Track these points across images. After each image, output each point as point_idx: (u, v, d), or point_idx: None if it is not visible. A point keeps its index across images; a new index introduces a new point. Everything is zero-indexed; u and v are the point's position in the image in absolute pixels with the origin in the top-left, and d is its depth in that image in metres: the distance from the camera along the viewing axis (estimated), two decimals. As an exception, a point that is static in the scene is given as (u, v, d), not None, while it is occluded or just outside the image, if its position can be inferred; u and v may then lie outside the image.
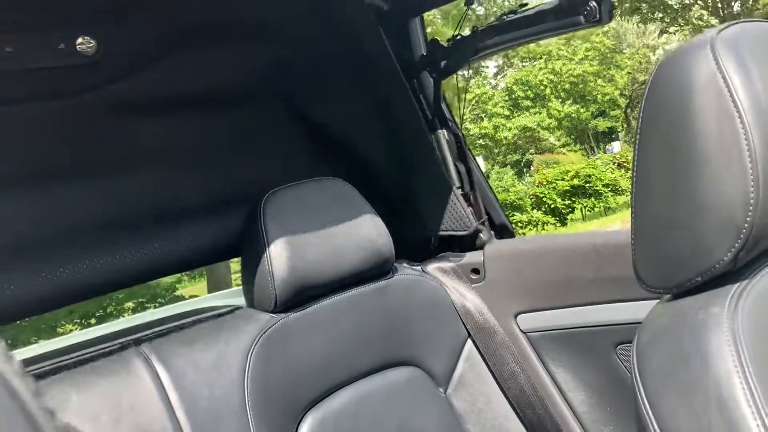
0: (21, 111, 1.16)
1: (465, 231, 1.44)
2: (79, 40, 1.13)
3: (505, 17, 1.41)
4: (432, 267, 1.43)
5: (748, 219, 0.65)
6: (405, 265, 1.43)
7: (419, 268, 1.43)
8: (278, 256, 1.16)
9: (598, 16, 1.23)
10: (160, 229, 1.28)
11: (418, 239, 1.54)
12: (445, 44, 1.52)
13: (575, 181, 10.55)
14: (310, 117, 1.55)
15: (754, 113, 0.65)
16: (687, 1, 12.68)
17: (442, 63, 1.51)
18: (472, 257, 1.42)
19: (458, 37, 1.49)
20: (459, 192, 1.48)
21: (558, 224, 10.31)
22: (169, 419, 0.99)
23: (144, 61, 1.27)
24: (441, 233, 1.49)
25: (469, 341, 1.36)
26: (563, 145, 18.44)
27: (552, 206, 10.34)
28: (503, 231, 1.52)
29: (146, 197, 1.30)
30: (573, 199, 10.59)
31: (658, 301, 0.80)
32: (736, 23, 0.74)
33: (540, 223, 10.11)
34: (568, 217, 10.58)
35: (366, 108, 1.54)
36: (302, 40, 1.45)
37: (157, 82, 1.30)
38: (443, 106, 1.55)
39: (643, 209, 0.76)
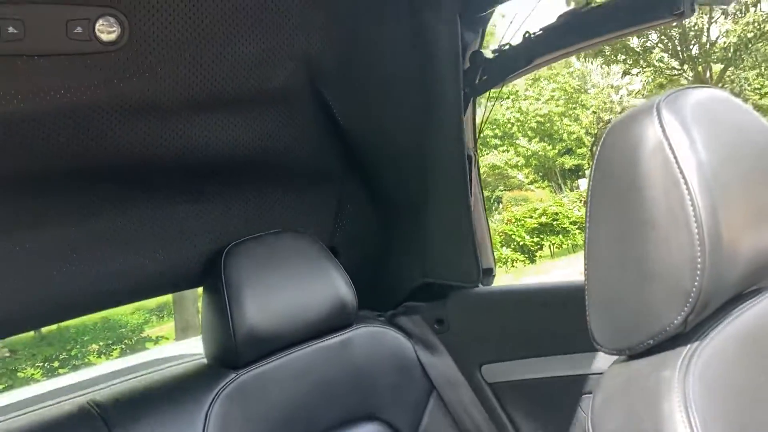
0: (22, 108, 0.92)
1: (470, 284, 1.35)
2: (100, 23, 0.87)
3: (564, 17, 1.17)
4: (396, 316, 1.42)
5: (695, 284, 0.67)
6: (368, 315, 1.42)
7: (383, 318, 1.42)
8: (239, 310, 1.15)
9: (681, 9, 1.04)
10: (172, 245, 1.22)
11: (390, 286, 1.50)
12: (490, 55, 1.30)
13: (543, 219, 10.68)
14: (339, 121, 1.38)
15: (699, 180, 0.66)
16: (648, 44, 13.09)
17: (480, 77, 1.30)
18: (435, 307, 1.41)
19: (506, 46, 1.27)
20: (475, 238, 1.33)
21: (527, 261, 10.39)
22: None
23: (169, 53, 1.02)
24: (437, 281, 1.40)
25: (434, 393, 1.34)
26: (531, 182, 18.69)
27: (521, 243, 10.44)
28: (488, 275, 1.43)
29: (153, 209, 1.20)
30: (541, 236, 10.70)
31: (616, 358, 0.80)
32: (682, 89, 0.76)
33: (509, 260, 10.18)
34: (537, 254, 10.68)
35: (406, 127, 1.37)
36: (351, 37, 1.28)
37: (179, 79, 1.08)
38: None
39: (594, 272, 0.77)
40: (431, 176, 1.35)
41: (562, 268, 9.13)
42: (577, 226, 10.94)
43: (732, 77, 13.22)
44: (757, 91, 13.86)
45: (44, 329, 6.91)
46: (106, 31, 0.88)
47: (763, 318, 0.78)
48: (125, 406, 1.07)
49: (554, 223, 10.72)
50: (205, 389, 1.11)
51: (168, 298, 7.39)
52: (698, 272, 0.66)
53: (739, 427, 0.66)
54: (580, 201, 12.14)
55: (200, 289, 1.29)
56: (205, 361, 1.23)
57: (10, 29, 0.79)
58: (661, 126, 0.69)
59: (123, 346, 7.49)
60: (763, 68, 13.09)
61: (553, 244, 10.90)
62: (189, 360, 1.31)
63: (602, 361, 1.17)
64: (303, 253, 1.26)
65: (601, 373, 0.79)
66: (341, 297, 1.27)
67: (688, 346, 0.70)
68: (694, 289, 0.67)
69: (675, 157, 0.67)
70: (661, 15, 1.06)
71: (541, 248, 10.82)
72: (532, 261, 10.46)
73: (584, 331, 1.21)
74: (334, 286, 1.26)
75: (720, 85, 12.23)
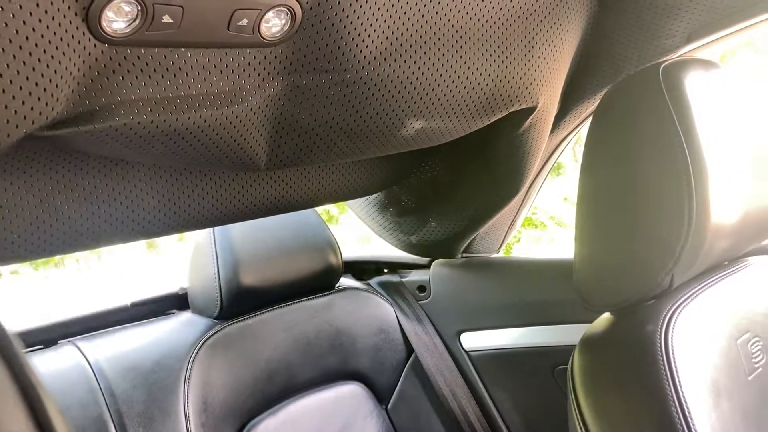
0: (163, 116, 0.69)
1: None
2: (270, 14, 0.66)
3: None
4: (379, 282, 1.44)
5: (682, 245, 0.69)
6: (352, 279, 1.43)
7: (366, 283, 1.44)
8: (226, 262, 1.16)
9: None
10: None
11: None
12: None
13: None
14: None
15: (696, 146, 0.69)
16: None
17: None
18: (418, 275, 1.43)
19: None
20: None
21: (505, 252, 10.47)
22: (103, 422, 0.97)
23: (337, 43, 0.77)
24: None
25: (413, 358, 1.37)
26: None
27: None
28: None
29: None
30: (520, 229, 10.79)
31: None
32: (684, 58, 0.78)
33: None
34: (514, 246, 10.77)
35: None
36: None
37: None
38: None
39: (585, 229, 0.79)
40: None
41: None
42: (555, 221, 11.04)
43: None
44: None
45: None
46: (275, 24, 0.69)
47: (743, 286, 0.81)
48: (108, 348, 1.08)
49: (533, 216, 10.81)
50: (187, 338, 1.12)
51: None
52: (685, 234, 0.69)
53: (711, 381, 0.68)
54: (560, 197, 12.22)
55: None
56: (190, 312, 1.24)
57: (165, 18, 0.62)
58: (664, 90, 0.71)
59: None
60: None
61: (532, 237, 10.98)
62: (172, 312, 1.31)
63: (578, 332, 1.20)
64: (294, 214, 1.27)
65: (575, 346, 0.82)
66: (327, 260, 1.28)
67: (672, 303, 0.72)
68: (679, 249, 0.69)
69: (676, 121, 0.69)
70: None
71: (519, 241, 10.91)
72: (508, 253, 10.54)
73: (563, 303, 1.24)
74: (321, 248, 1.28)
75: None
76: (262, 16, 0.67)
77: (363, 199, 1.33)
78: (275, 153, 0.85)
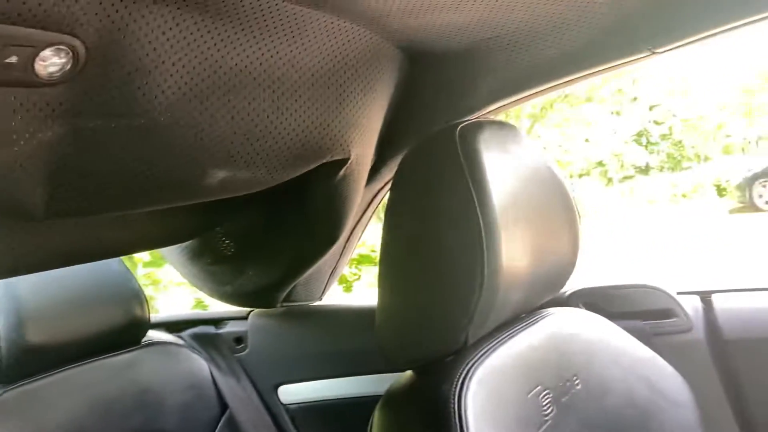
0: None
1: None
2: (48, 52, 0.60)
3: None
4: (192, 335, 1.36)
5: (475, 297, 0.70)
6: (163, 332, 1.34)
7: (177, 336, 1.35)
8: (8, 318, 1.03)
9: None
10: None
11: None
12: None
13: (362, 251, 10.93)
14: None
15: (489, 207, 0.71)
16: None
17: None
18: (235, 326, 1.37)
19: None
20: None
21: (345, 290, 10.55)
22: None
23: None
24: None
25: (228, 414, 1.29)
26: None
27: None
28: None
29: None
30: (359, 266, 10.95)
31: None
32: (479, 119, 0.81)
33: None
34: (354, 284, 10.89)
35: None
36: None
37: None
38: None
39: (385, 287, 0.79)
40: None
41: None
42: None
43: (538, 133, 14.57)
44: (560, 147, 15.38)
45: None
46: (52, 62, 0.61)
47: (535, 339, 0.84)
48: None
49: (372, 254, 11.02)
50: None
51: None
52: (479, 290, 0.70)
53: (504, 439, 0.69)
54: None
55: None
56: None
57: None
58: (460, 150, 0.73)
59: None
60: (563, 127, 14.59)
61: (371, 275, 11.17)
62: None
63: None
64: (93, 264, 1.16)
65: None
66: (131, 312, 1.19)
67: (467, 360, 0.73)
68: (473, 305, 0.70)
69: (469, 180, 0.71)
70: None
71: (359, 278, 11.05)
72: (349, 290, 10.64)
73: (377, 352, 1.23)
74: (125, 299, 1.18)
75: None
76: (37, 54, 0.59)
77: (175, 246, 1.25)
78: (56, 201, 0.76)
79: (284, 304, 1.37)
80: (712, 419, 1.10)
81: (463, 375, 0.71)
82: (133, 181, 0.77)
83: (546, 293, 0.89)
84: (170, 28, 0.67)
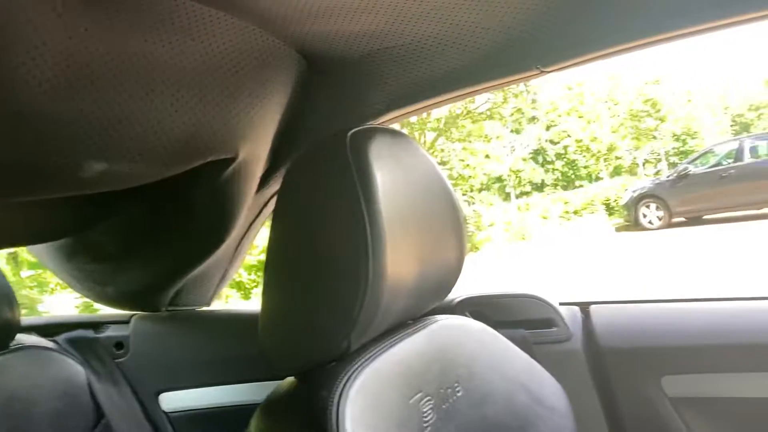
0: None
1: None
2: None
3: None
4: (68, 339, 1.28)
5: (359, 303, 0.70)
6: (35, 336, 1.25)
7: (51, 340, 1.27)
8: None
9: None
10: None
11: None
12: None
13: (262, 257, 10.75)
14: None
15: (373, 206, 0.70)
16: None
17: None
18: (116, 330, 1.30)
19: None
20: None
21: (243, 297, 10.32)
22: None
23: None
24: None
25: (104, 422, 1.22)
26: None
27: (237, 281, 10.35)
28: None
29: None
30: (259, 273, 10.75)
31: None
32: (370, 126, 0.81)
33: (224, 296, 10.02)
34: (253, 291, 10.67)
35: None
36: None
37: None
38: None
39: (269, 291, 0.78)
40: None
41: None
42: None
43: (442, 146, 14.93)
44: (462, 162, 15.83)
45: None
46: None
47: (419, 345, 0.85)
48: None
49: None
50: None
51: None
52: (362, 296, 0.70)
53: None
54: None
55: None
56: None
57: None
58: (350, 155, 0.72)
59: None
60: (465, 142, 15.01)
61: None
62: None
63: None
64: None
65: None
66: None
67: (348, 366, 0.73)
68: (357, 311, 0.70)
69: (358, 186, 0.70)
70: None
71: (257, 285, 10.84)
72: (248, 297, 10.42)
73: (262, 359, 1.21)
74: None
75: (431, 152, 13.70)
76: None
77: (49, 244, 1.18)
78: None
79: (170, 308, 1.32)
80: (587, 427, 1.15)
81: (343, 381, 0.70)
82: (7, 170, 0.73)
83: (432, 300, 0.90)
84: (59, 15, 0.65)
